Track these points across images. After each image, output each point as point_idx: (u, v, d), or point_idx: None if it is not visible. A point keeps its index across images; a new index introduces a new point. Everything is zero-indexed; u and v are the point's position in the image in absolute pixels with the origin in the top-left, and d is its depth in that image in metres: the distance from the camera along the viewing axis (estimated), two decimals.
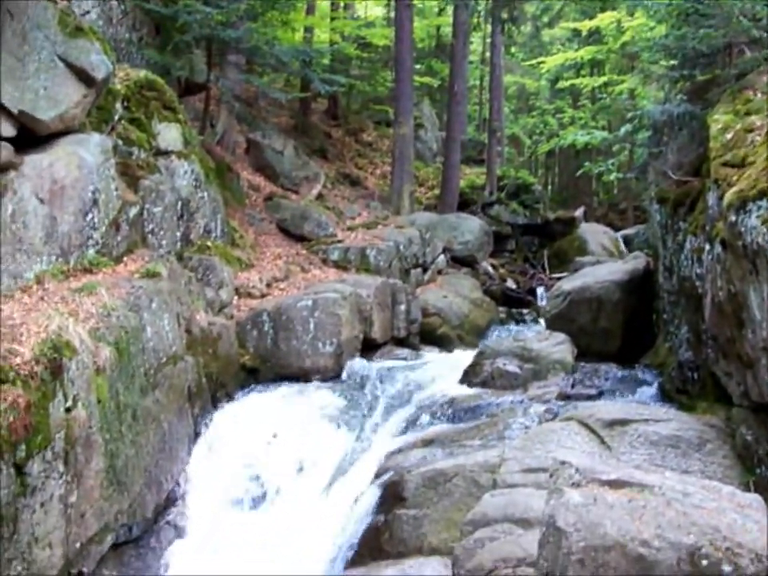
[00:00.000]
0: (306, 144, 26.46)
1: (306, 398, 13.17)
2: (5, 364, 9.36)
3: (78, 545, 9.95)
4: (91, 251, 12.58)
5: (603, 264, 19.36)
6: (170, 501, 11.63)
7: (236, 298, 15.39)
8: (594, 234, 27.38)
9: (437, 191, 28.32)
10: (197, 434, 12.44)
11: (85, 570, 10.14)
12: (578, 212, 29.03)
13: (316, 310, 14.45)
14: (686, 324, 12.58)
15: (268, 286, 16.14)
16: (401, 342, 16.91)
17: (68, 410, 9.82)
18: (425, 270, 21.21)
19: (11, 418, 9.03)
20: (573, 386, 12.95)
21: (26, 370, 9.45)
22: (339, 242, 19.48)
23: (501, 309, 21.79)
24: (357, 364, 14.39)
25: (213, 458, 12.18)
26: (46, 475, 9.47)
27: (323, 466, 11.88)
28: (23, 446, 9.18)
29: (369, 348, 15.52)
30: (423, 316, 18.23)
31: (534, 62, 38.09)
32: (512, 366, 13.91)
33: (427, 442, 11.19)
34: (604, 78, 35.50)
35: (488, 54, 35.52)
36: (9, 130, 11.47)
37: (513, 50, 43.20)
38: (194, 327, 12.97)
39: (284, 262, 17.67)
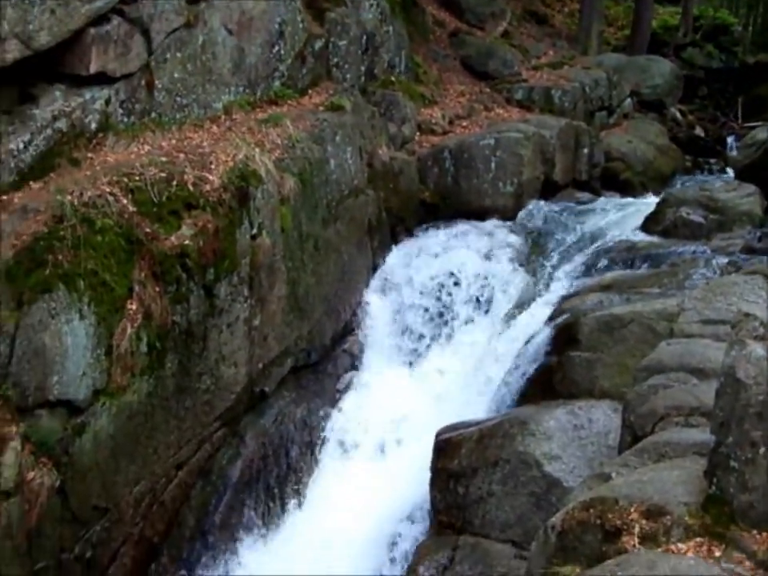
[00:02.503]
0: None
1: (484, 237, 13.18)
2: (195, 190, 9.71)
3: (260, 365, 10.47)
4: (277, 83, 12.74)
5: None
6: (347, 330, 12.00)
7: (418, 134, 15.34)
8: None
9: (627, 31, 27.14)
10: (375, 267, 12.70)
11: (266, 389, 10.70)
12: None
13: (498, 149, 14.29)
14: None
15: (450, 123, 16.00)
16: (582, 186, 16.60)
17: (253, 237, 10.18)
18: (610, 114, 20.56)
19: (201, 243, 9.44)
20: (760, 240, 12.49)
21: (214, 197, 9.80)
22: (524, 81, 19.02)
23: (687, 157, 20.99)
24: (536, 205, 14.25)
25: (390, 290, 12.44)
26: (232, 298, 9.92)
27: (499, 304, 11.98)
28: (212, 270, 9.62)
29: (549, 190, 15.30)
30: (606, 160, 17.77)
31: None
32: (696, 216, 13.50)
33: (604, 287, 11.08)
34: None
35: None
36: None
37: None
38: (376, 162, 13.08)
39: (467, 99, 17.43)
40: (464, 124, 16.20)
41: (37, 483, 8.07)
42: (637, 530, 4.27)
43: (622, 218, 14.14)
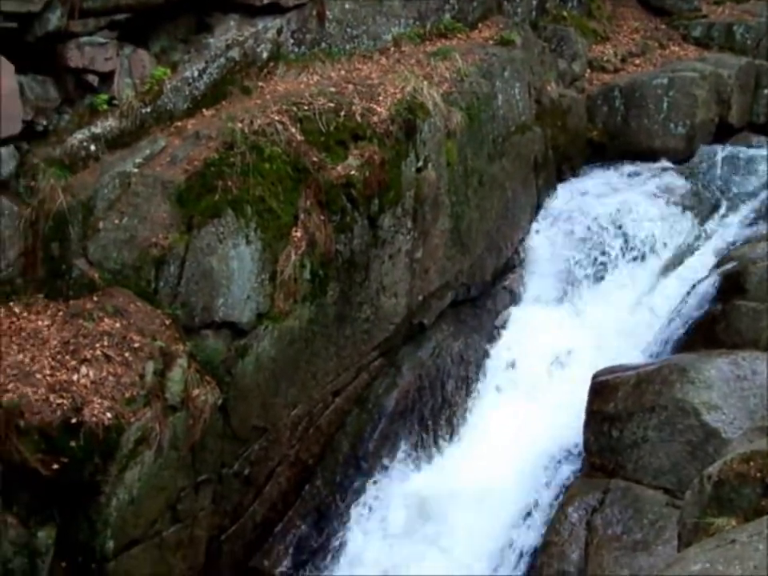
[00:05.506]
0: None
1: (651, 179, 12.81)
2: (362, 121, 9.79)
3: (420, 298, 10.57)
4: (447, 16, 12.62)
5: None
6: (508, 267, 11.93)
7: (588, 71, 14.97)
8: None
9: None
10: (539, 205, 12.54)
11: (425, 321, 10.79)
12: None
13: (671, 89, 13.80)
14: None
15: (622, 60, 15.54)
16: (759, 130, 15.81)
17: (419, 170, 10.22)
18: None
19: (367, 173, 9.54)
20: None
21: (381, 128, 9.86)
22: (703, 16, 18.20)
23: None
24: (709, 149, 13.74)
25: (553, 229, 12.28)
26: (395, 230, 10.01)
27: (664, 248, 11.68)
28: (376, 201, 9.72)
29: (723, 133, 14.70)
30: None
31: None
32: None
33: None
34: None
35: None
36: None
37: None
38: (544, 98, 12.87)
39: (641, 36, 16.87)
40: (637, 62, 15.71)
41: (201, 400, 8.41)
42: None
43: None
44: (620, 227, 11.93)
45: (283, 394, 9.39)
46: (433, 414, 10.56)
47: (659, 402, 8.75)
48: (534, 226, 12.36)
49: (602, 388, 9.30)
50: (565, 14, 15.21)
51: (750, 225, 11.66)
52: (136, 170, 8.97)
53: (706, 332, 9.77)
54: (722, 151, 13.61)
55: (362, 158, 9.55)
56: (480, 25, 13.08)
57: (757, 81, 15.43)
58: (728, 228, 11.72)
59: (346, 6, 11.30)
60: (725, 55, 15.83)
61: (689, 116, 13.77)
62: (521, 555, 9.17)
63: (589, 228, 12.01)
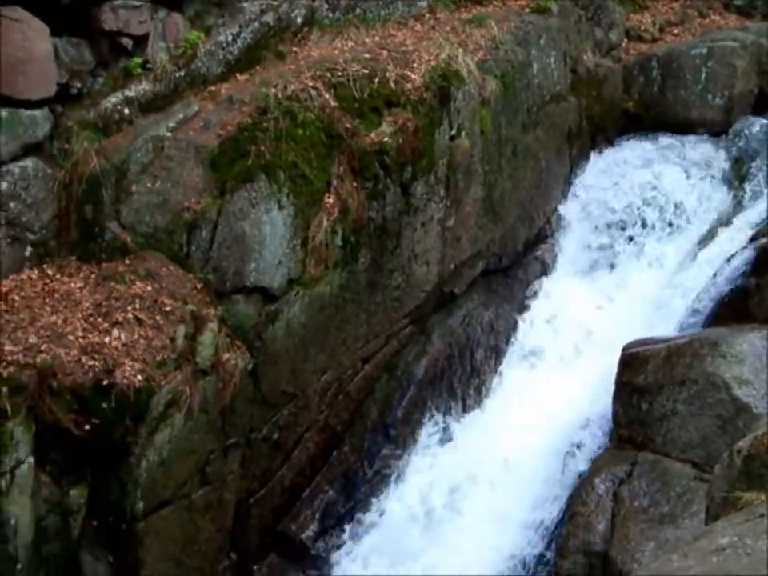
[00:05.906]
0: None
1: (686, 151, 12.66)
2: (396, 88, 9.75)
3: (451, 266, 10.56)
4: None
5: None
6: (540, 237, 11.89)
7: (625, 40, 14.79)
8: None
9: None
10: (572, 176, 12.46)
11: (456, 290, 10.78)
12: None
13: (710, 59, 13.58)
14: None
15: (661, 30, 15.32)
16: None
17: (452, 138, 10.18)
18: None
19: (400, 140, 9.52)
20: None
21: (415, 95, 9.81)
22: None
23: None
24: (747, 120, 13.53)
25: (585, 201, 12.21)
26: (427, 198, 9.99)
27: (697, 221, 11.59)
28: (409, 168, 9.70)
29: (763, 104, 14.49)
30: None
31: None
32: None
33: None
34: None
35: None
36: None
37: None
38: (580, 68, 12.73)
39: (680, 5, 16.61)
40: (675, 31, 15.48)
41: (231, 364, 8.45)
42: None
43: None
44: (654, 199, 11.85)
45: (313, 359, 9.43)
46: (462, 383, 10.57)
47: (689, 375, 8.71)
48: (567, 196, 12.30)
49: (632, 360, 9.26)
50: None
51: None
52: (169, 134, 8.98)
53: (739, 306, 9.69)
54: (760, 123, 13.43)
55: (395, 125, 9.52)
56: None
57: None
58: (764, 201, 11.57)
59: None
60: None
61: (727, 87, 13.54)
62: (547, 525, 9.19)
63: (623, 199, 11.93)
